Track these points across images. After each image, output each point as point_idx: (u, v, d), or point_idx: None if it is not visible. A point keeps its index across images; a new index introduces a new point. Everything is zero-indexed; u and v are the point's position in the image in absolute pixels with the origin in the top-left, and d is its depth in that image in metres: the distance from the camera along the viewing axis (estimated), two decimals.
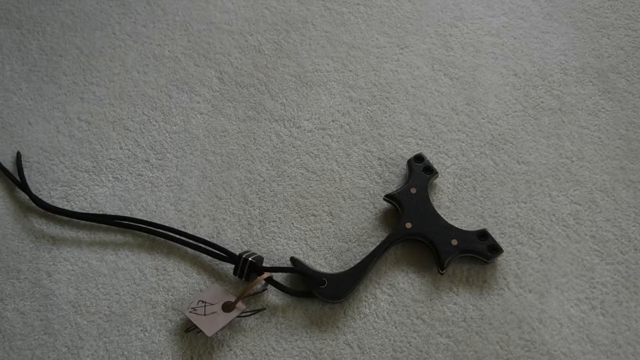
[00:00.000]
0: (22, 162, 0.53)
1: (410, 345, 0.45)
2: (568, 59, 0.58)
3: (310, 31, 0.60)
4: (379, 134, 0.54)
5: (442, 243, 0.46)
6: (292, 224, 0.50)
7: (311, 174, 0.52)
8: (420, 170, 0.50)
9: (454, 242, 0.46)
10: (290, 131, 0.54)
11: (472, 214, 0.50)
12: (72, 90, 0.57)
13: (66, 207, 0.51)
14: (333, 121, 0.55)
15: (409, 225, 0.47)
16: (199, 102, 0.56)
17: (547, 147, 0.53)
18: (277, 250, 0.49)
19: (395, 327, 0.45)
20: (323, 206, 0.51)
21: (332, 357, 0.44)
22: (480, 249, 0.46)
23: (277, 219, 0.50)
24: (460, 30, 0.60)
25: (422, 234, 0.46)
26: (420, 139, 0.53)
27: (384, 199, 0.49)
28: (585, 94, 0.56)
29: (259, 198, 0.51)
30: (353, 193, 0.51)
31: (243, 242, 0.49)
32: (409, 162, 0.50)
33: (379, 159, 0.53)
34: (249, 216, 0.50)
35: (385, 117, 0.55)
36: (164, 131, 0.55)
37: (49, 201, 0.51)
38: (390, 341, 0.45)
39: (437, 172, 0.50)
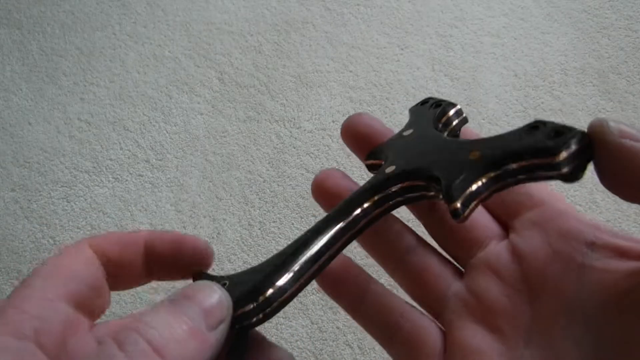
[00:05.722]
0: (22, 162, 0.53)
1: None
2: (568, 59, 0.58)
3: (310, 32, 0.60)
4: None
5: None
6: (293, 224, 0.50)
7: (311, 175, 0.52)
8: None
9: None
10: (291, 132, 0.54)
11: None
12: (72, 91, 0.57)
13: (66, 208, 0.51)
14: (333, 122, 0.55)
15: None
16: (199, 103, 0.56)
17: None
18: (277, 251, 0.49)
19: None
20: None
21: (332, 357, 0.44)
22: None
23: (278, 220, 0.50)
24: (461, 31, 0.60)
25: None
26: None
27: None
28: (585, 95, 0.56)
29: (259, 199, 0.51)
30: None
31: (243, 242, 0.49)
32: None
33: None
34: (249, 217, 0.50)
35: (386, 117, 0.55)
36: (164, 132, 0.55)
37: (49, 201, 0.51)
38: None
39: None
